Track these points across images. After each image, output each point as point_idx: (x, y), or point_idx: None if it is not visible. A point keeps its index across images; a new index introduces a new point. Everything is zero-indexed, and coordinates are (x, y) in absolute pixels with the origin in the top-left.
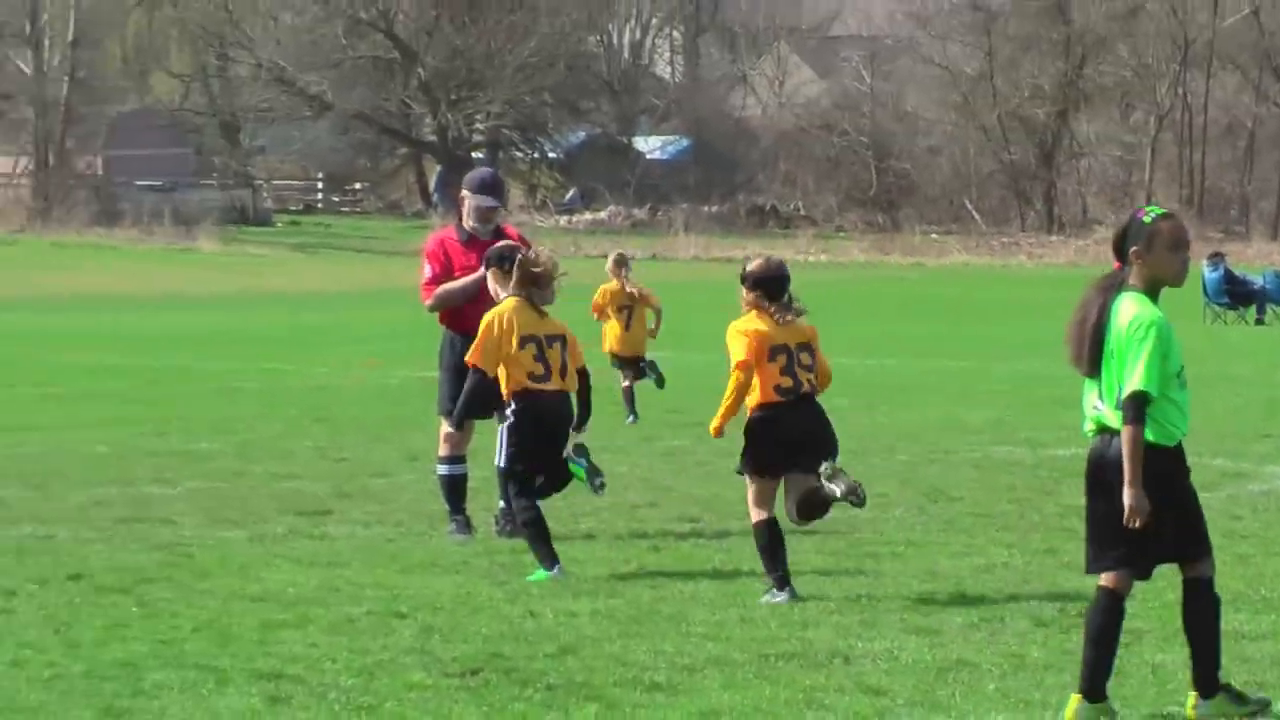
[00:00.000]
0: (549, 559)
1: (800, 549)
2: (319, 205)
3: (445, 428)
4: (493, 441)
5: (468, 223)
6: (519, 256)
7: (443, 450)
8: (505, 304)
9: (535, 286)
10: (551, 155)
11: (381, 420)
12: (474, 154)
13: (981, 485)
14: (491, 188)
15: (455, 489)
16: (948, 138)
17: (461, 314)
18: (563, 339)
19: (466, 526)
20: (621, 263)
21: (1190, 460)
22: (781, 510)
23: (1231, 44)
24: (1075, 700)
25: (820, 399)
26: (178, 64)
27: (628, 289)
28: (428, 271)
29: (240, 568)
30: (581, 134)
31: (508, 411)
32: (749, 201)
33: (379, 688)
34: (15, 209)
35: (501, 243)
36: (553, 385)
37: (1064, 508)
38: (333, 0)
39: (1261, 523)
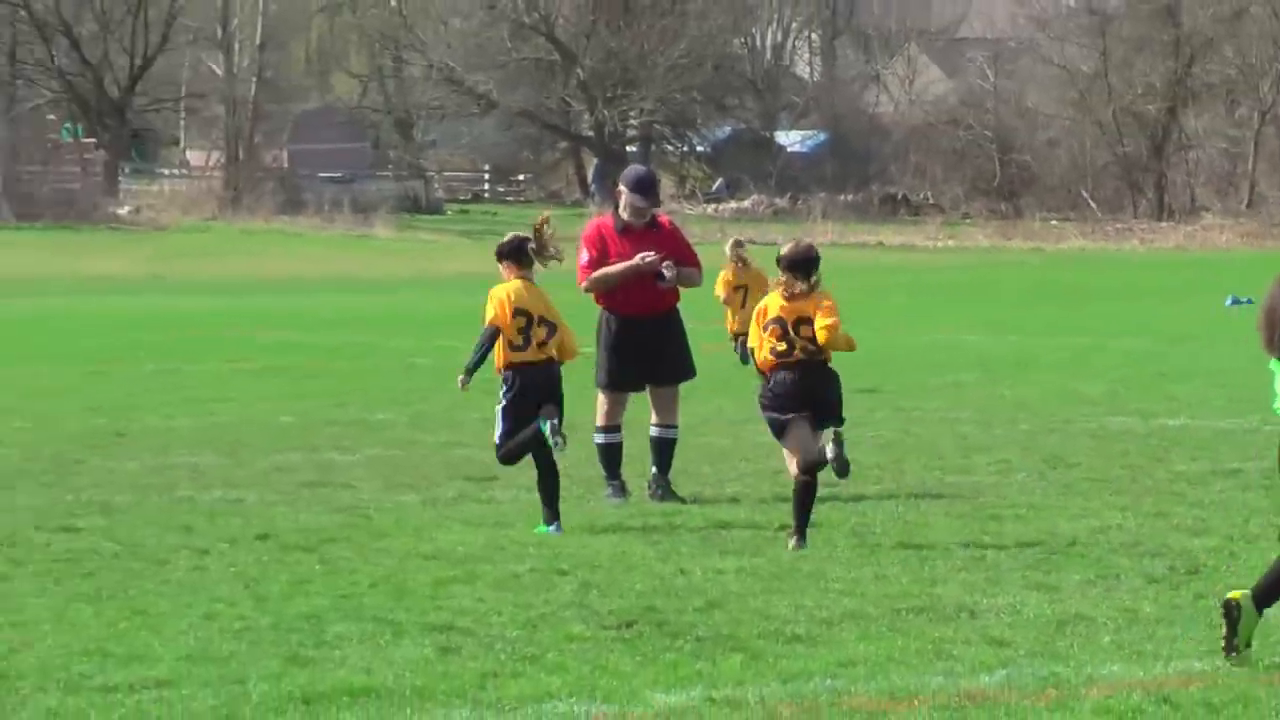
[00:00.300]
0: (551, 510)
1: (931, 511)
2: (486, 195)
3: (602, 399)
4: (644, 414)
5: (623, 214)
6: (524, 253)
7: (600, 420)
8: (510, 286)
9: (529, 259)
10: (700, 148)
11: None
12: (628, 148)
13: (1097, 453)
14: (646, 187)
15: (611, 456)
16: (1065, 132)
17: (616, 296)
18: (554, 325)
19: (622, 490)
20: (739, 245)
21: None
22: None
23: None
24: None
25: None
26: (356, 65)
27: (749, 268)
28: (585, 256)
29: (414, 528)
30: (727, 129)
31: (503, 390)
32: (881, 191)
33: (541, 639)
34: (207, 199)
35: (509, 236)
36: (529, 356)
37: (1173, 474)
38: (498, 6)
39: None
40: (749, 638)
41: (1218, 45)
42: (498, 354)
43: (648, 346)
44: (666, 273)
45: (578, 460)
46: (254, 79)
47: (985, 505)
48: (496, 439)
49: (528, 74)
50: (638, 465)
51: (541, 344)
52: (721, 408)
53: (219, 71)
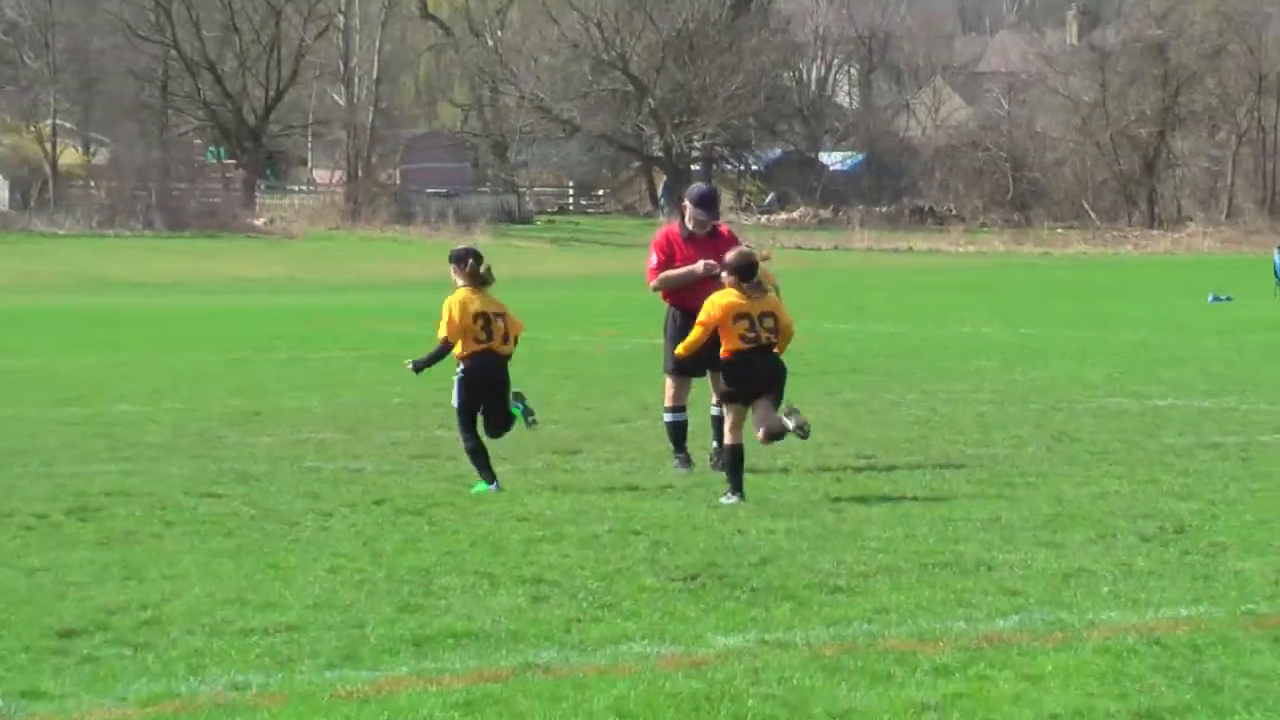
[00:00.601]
0: (488, 476)
1: (954, 479)
2: (570, 207)
3: (669, 383)
4: (706, 395)
5: (688, 225)
6: (469, 262)
7: (668, 401)
8: (460, 292)
9: (477, 281)
10: (754, 167)
11: (619, 378)
12: (692, 166)
13: (1097, 429)
14: (708, 202)
15: (678, 432)
16: (1070, 152)
17: (680, 294)
18: (503, 314)
19: (687, 462)
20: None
21: (1262, 409)
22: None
23: None
24: None
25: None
26: (458, 96)
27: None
28: (653, 260)
29: (508, 494)
30: (778, 150)
31: (459, 369)
32: (911, 203)
33: (618, 589)
34: (331, 211)
35: (462, 247)
36: (494, 347)
37: (1163, 447)
38: (581, 45)
39: None
40: (797, 588)
41: (1201, 78)
42: (460, 347)
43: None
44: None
45: (650, 435)
46: (371, 108)
47: (1001, 474)
48: (455, 402)
49: (606, 103)
50: (700, 440)
51: (505, 336)
52: None
53: (341, 101)
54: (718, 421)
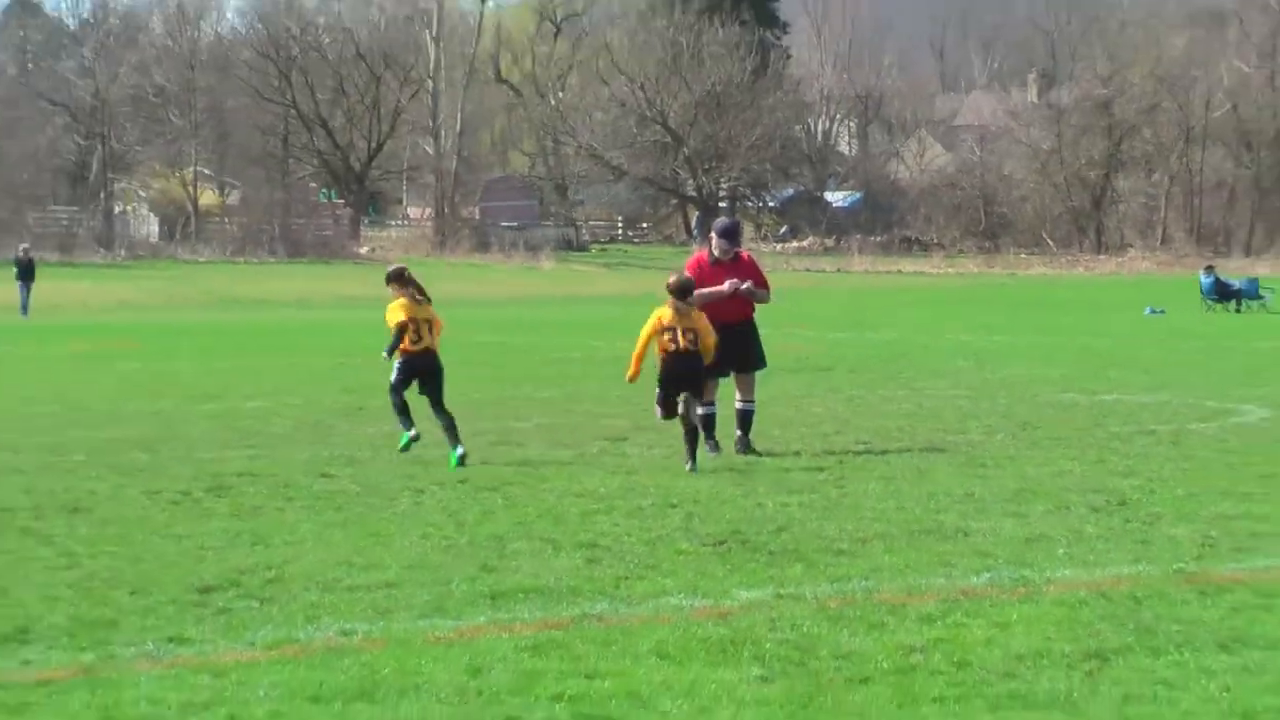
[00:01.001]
0: (408, 425)
1: (936, 461)
2: (619, 238)
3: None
4: (733, 392)
5: (715, 252)
6: (401, 279)
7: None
8: (396, 302)
9: (409, 289)
10: (771, 204)
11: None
12: (720, 203)
13: (1055, 419)
14: (730, 234)
15: (708, 423)
16: (1031, 191)
17: (710, 308)
18: (430, 322)
19: (716, 447)
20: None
21: (1190, 402)
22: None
23: (1219, 128)
24: None
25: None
26: (527, 146)
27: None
28: None
29: (568, 474)
30: (790, 190)
31: (396, 362)
32: (900, 234)
33: (658, 553)
34: (422, 241)
35: (394, 267)
36: (423, 346)
37: (1109, 434)
38: (628, 103)
39: (1242, 442)
40: (807, 551)
41: (1139, 129)
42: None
43: (733, 344)
44: (743, 292)
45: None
46: (455, 156)
47: (975, 457)
48: (393, 380)
49: (649, 152)
50: (727, 429)
51: (428, 341)
52: (786, 388)
53: (430, 151)
54: (741, 414)
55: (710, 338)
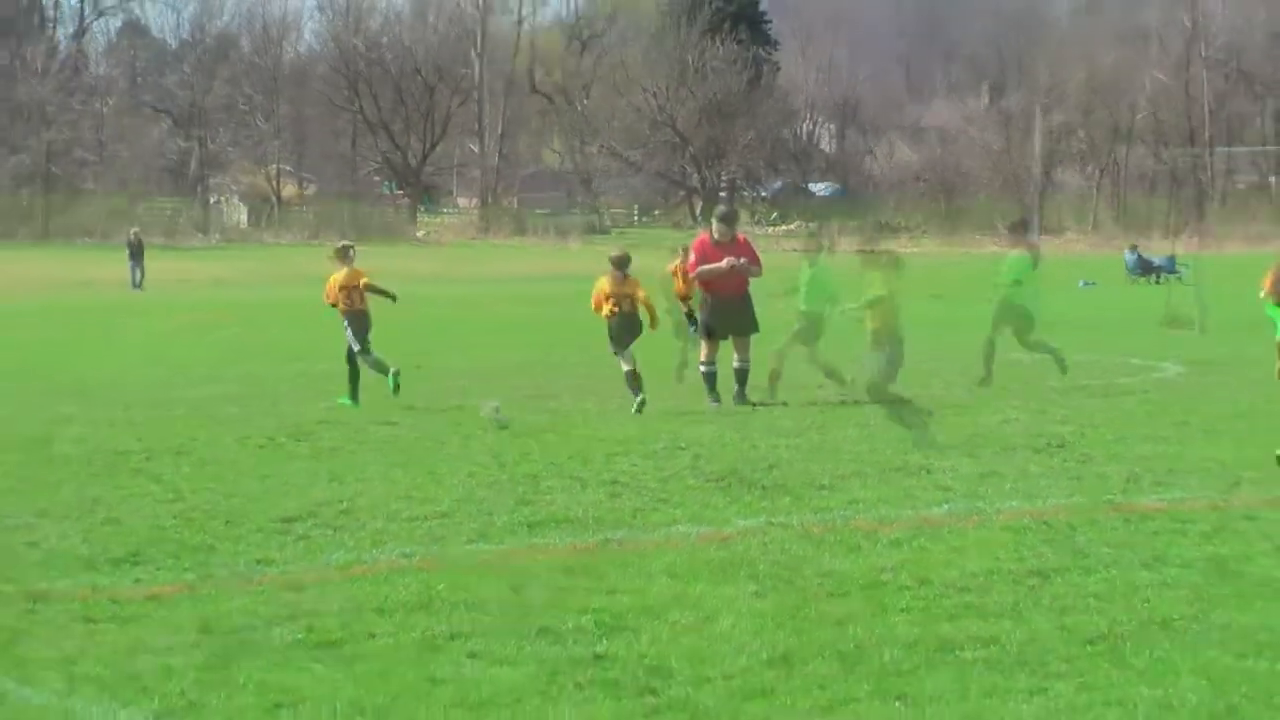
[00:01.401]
0: (354, 396)
1: (904, 412)
2: (635, 223)
3: (704, 344)
4: (731, 353)
5: (715, 235)
6: (344, 253)
7: (703, 356)
8: (341, 272)
9: (345, 262)
10: (763, 194)
11: (673, 342)
12: (720, 193)
13: (1003, 375)
14: (728, 220)
15: (710, 379)
16: (986, 184)
17: (711, 283)
18: (356, 286)
19: (717, 400)
20: (686, 251)
21: (1118, 360)
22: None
23: (1142, 129)
24: None
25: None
26: (557, 144)
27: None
28: (693, 258)
29: (594, 423)
30: (779, 182)
31: (345, 321)
32: (874, 220)
33: (670, 488)
34: (469, 227)
35: (342, 243)
36: (359, 307)
37: (1049, 388)
38: (642, 110)
39: (1161, 394)
40: (795, 486)
41: (1075, 131)
42: (341, 306)
43: (732, 313)
44: (740, 268)
45: (691, 382)
46: (496, 154)
47: (936, 407)
48: (352, 343)
49: (660, 150)
50: (727, 384)
51: (361, 301)
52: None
53: (476, 150)
54: (738, 372)
55: (647, 302)
